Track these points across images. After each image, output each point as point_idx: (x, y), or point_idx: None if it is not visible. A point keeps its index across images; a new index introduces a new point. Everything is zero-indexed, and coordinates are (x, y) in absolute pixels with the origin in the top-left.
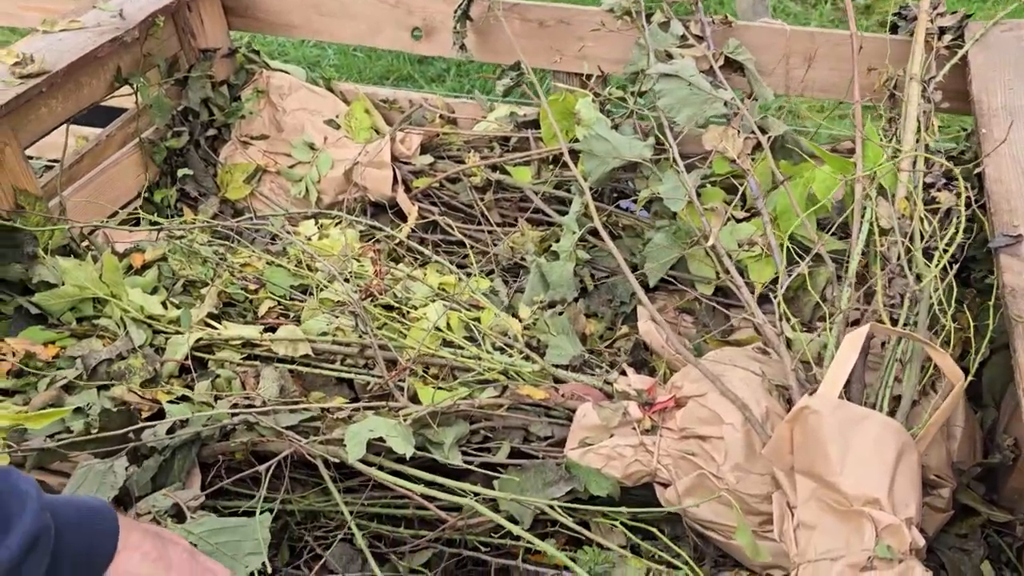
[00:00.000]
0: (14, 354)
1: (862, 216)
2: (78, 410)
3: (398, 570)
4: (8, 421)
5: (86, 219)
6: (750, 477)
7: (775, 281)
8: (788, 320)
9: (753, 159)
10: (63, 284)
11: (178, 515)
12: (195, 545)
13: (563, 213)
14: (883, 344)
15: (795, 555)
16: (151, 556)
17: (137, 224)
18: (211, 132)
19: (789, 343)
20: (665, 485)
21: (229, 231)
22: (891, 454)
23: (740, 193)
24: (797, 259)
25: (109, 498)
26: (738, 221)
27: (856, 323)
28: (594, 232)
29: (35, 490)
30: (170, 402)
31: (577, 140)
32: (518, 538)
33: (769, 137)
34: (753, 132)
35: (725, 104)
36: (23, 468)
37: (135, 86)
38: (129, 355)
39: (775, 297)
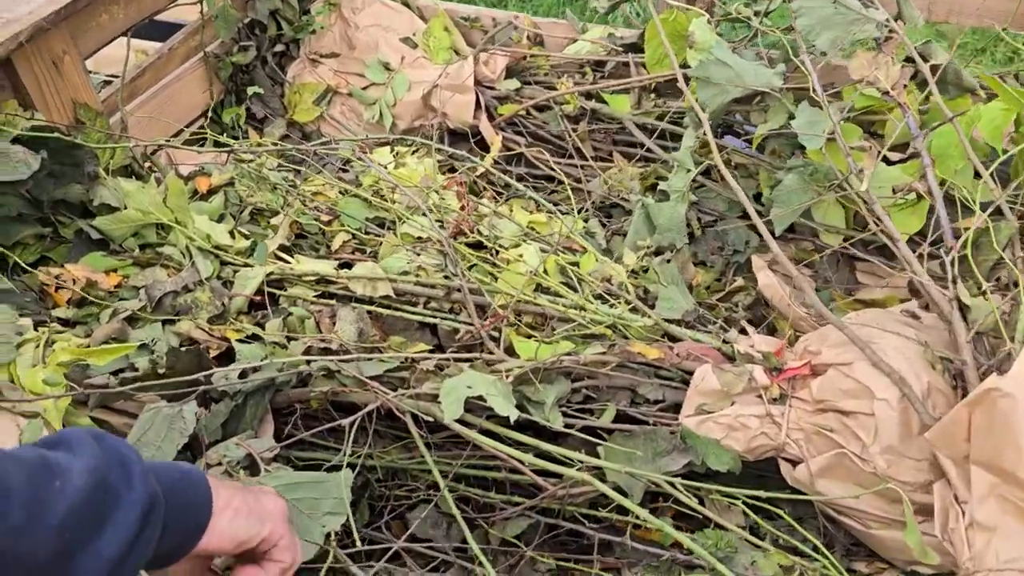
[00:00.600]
0: (75, 282)
1: None
2: (143, 346)
3: (488, 539)
4: (69, 355)
5: (149, 138)
6: (903, 462)
7: (920, 235)
8: (954, 281)
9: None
10: (125, 208)
11: (251, 467)
12: None
13: (665, 148)
14: None
15: (967, 559)
16: (243, 512)
17: (203, 145)
18: (279, 48)
19: (964, 309)
20: (793, 462)
21: (303, 155)
22: None
23: (892, 138)
24: (961, 210)
25: (178, 445)
26: (890, 163)
27: None
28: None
29: (135, 453)
30: (240, 341)
31: (686, 67)
32: (625, 512)
33: (932, 67)
34: (910, 60)
35: (877, 26)
36: (85, 406)
37: None
38: (195, 288)
39: (947, 254)
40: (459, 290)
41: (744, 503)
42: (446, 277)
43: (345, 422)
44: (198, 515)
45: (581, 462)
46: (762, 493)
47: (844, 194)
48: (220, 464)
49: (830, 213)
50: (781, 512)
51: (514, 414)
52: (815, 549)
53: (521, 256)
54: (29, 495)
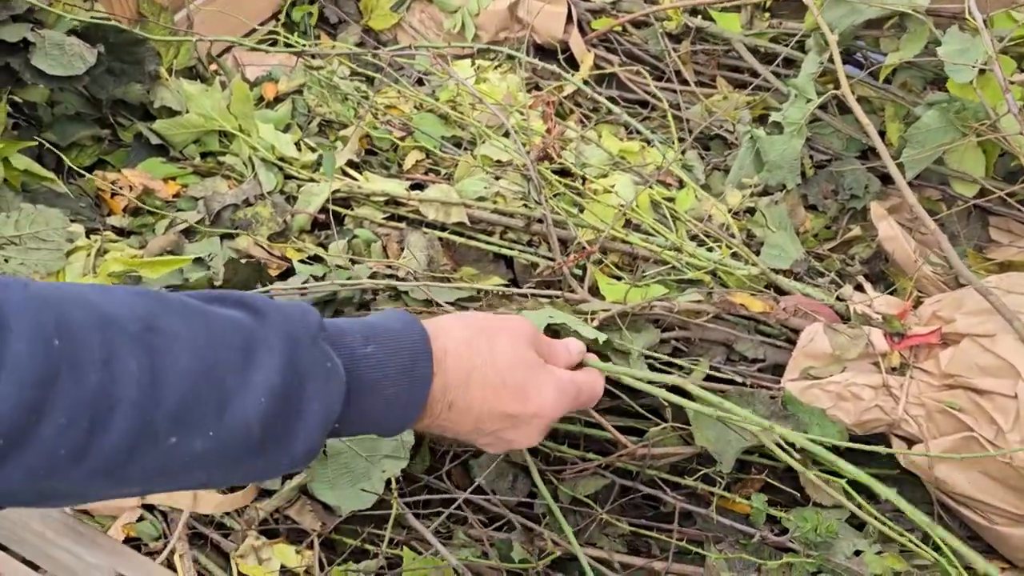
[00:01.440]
0: (131, 188)
1: None
2: (198, 260)
3: (557, 496)
4: (122, 266)
5: (215, 36)
6: None
7: None
8: None
9: None
10: (187, 112)
11: None
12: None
13: (777, 76)
14: None
15: None
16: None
17: (273, 46)
18: None
19: None
20: (909, 442)
21: (378, 63)
22: None
23: None
24: None
25: None
26: None
27: None
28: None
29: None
30: (301, 261)
31: None
32: (711, 482)
33: None
34: None
35: None
36: None
37: None
38: (256, 202)
39: None
40: (541, 220)
41: (848, 483)
42: (526, 205)
43: None
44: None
45: (666, 421)
46: (884, 471)
47: (989, 137)
48: None
49: (967, 158)
50: (897, 499)
51: (601, 336)
52: (925, 540)
53: (613, 187)
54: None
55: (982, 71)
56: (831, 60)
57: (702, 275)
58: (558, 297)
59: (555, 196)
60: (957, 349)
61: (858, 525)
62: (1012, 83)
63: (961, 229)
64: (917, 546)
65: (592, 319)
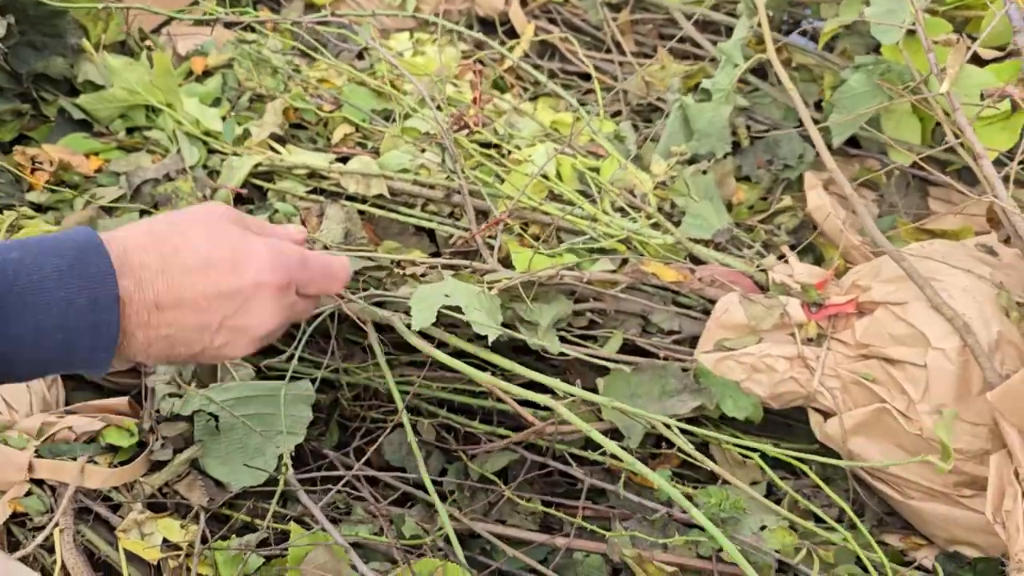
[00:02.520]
0: (52, 163)
1: None
2: None
3: (468, 472)
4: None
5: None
6: (957, 425)
7: (1010, 155)
8: None
9: None
10: (112, 86)
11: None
12: (216, 418)
13: (716, 44)
14: None
15: (1021, 549)
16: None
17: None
18: None
19: None
20: (825, 415)
21: (311, 37)
22: None
23: (984, 33)
24: None
25: None
26: (983, 64)
27: None
28: (754, 72)
29: None
30: None
31: None
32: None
33: None
34: None
35: None
36: None
37: None
38: (178, 176)
39: None
40: (459, 191)
41: (763, 458)
42: (447, 176)
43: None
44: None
45: (573, 396)
46: (798, 447)
47: (919, 97)
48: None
49: (903, 125)
50: (807, 470)
51: (494, 334)
52: (841, 518)
53: (530, 157)
54: None
55: (911, 32)
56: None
57: (617, 244)
58: (467, 267)
59: (476, 167)
60: (872, 318)
61: (777, 501)
62: (936, 43)
63: (901, 199)
64: (827, 523)
65: (493, 288)
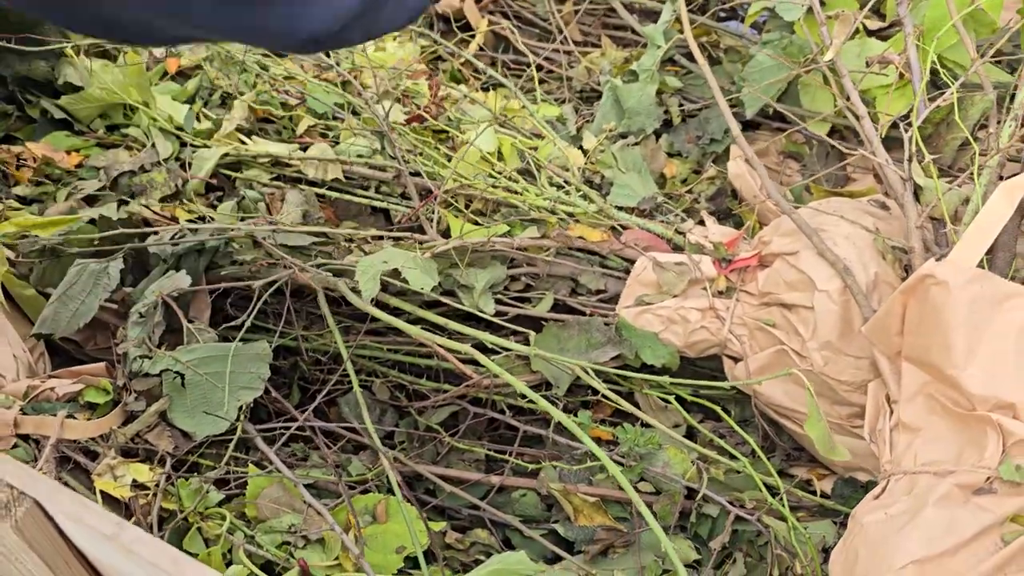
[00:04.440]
0: (35, 160)
1: None
2: (91, 221)
3: (417, 425)
4: (15, 227)
5: None
6: (842, 359)
7: (909, 117)
8: (920, 161)
9: None
10: (90, 87)
11: (169, 329)
12: (182, 376)
13: None
14: None
15: (887, 461)
16: None
17: None
18: None
19: (918, 191)
20: (736, 359)
21: None
22: None
23: (871, 2)
24: (944, 87)
25: (102, 299)
26: (871, 34)
27: (1016, 175)
28: (690, 56)
29: None
30: (189, 221)
31: None
32: (553, 404)
33: None
34: None
35: None
36: (26, 280)
37: None
38: (152, 168)
39: (908, 130)
40: (416, 173)
41: (681, 401)
42: (390, 158)
43: (256, 284)
44: None
45: (506, 350)
46: (698, 383)
47: (811, 68)
48: (140, 318)
49: (818, 97)
50: (722, 413)
51: (428, 286)
52: (751, 452)
53: (468, 140)
54: None
55: (811, 10)
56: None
57: (545, 214)
58: (409, 239)
59: (420, 153)
60: (772, 269)
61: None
62: (829, 17)
63: (821, 166)
64: (738, 457)
65: (424, 253)
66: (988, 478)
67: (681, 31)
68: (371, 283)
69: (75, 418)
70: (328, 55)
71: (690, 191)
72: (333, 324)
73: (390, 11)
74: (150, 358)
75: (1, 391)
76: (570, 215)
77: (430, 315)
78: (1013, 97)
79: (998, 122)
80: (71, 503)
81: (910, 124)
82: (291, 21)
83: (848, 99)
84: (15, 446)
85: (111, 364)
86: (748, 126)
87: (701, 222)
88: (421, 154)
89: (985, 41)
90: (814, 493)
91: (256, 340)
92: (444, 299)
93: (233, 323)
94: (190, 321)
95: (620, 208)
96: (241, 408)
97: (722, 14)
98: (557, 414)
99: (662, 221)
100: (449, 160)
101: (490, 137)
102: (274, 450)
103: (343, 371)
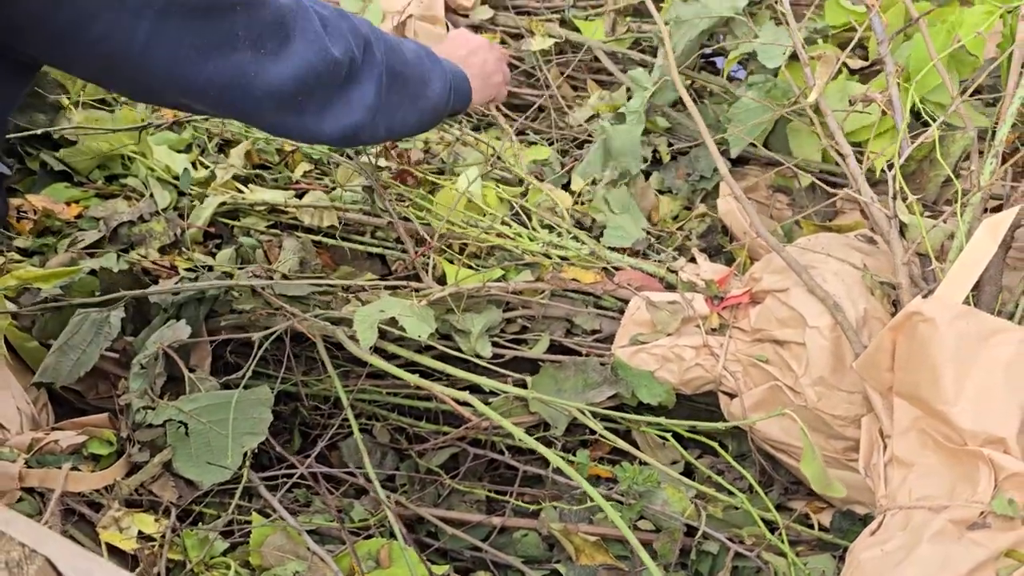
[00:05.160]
0: (36, 212)
1: (1023, 64)
2: (91, 272)
3: (418, 468)
4: (17, 280)
5: None
6: (835, 394)
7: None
8: (905, 198)
9: None
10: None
11: (170, 379)
12: (185, 425)
13: None
14: None
15: (883, 496)
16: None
17: None
18: None
19: (903, 228)
20: (731, 396)
21: None
22: None
23: (855, 42)
24: (927, 126)
25: (103, 348)
26: (853, 73)
27: (999, 210)
28: (678, 100)
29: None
30: (188, 270)
31: None
32: (551, 445)
33: None
34: None
35: None
36: (29, 332)
37: None
38: (151, 218)
39: (891, 168)
40: (406, 219)
41: (678, 437)
42: (376, 206)
43: (255, 336)
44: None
45: (503, 393)
46: (695, 423)
47: (794, 107)
48: (141, 369)
49: (805, 144)
50: (720, 449)
51: (425, 333)
52: (749, 487)
53: (454, 186)
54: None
55: (793, 56)
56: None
57: (539, 258)
58: (405, 287)
59: (407, 202)
60: (763, 306)
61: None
62: (812, 58)
63: (810, 202)
64: (735, 493)
65: (421, 300)
66: (982, 513)
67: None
68: (369, 332)
69: (79, 470)
70: None
71: (681, 228)
72: (333, 371)
73: (401, 117)
74: (153, 409)
75: (5, 444)
76: (563, 258)
77: (427, 360)
78: (994, 133)
79: (980, 153)
80: (82, 560)
81: (892, 164)
82: (307, 130)
83: (831, 136)
84: (20, 499)
85: (113, 414)
86: (737, 162)
87: (693, 259)
88: (411, 205)
89: (968, 79)
90: (812, 527)
91: (257, 386)
92: (441, 344)
93: (235, 374)
94: (191, 370)
95: (613, 249)
96: (245, 455)
97: (707, 51)
98: (555, 459)
99: (654, 260)
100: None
101: (479, 184)
102: (277, 497)
103: (343, 416)
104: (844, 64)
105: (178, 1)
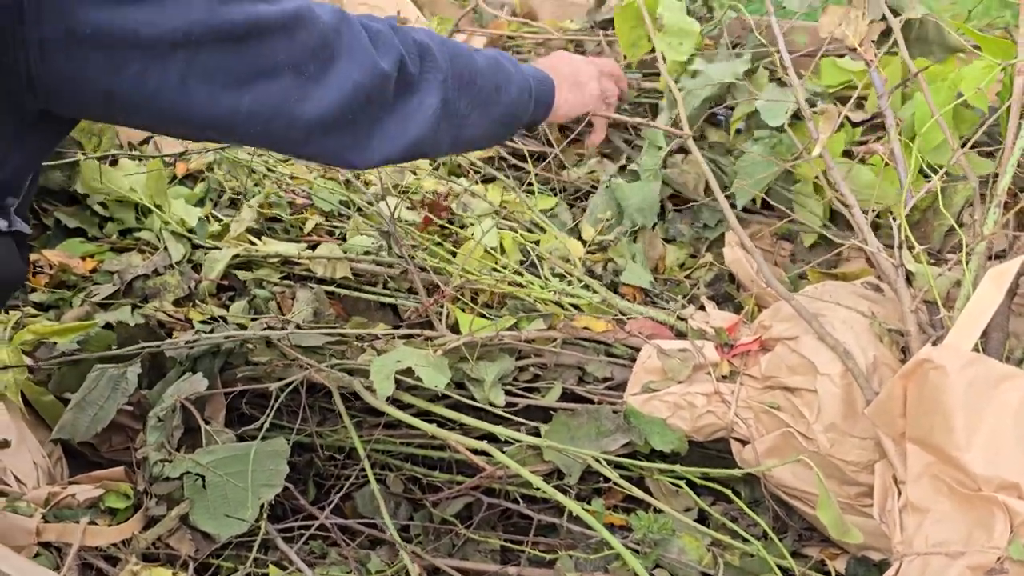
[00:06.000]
0: (52, 267)
1: (1021, 116)
2: (107, 326)
3: (432, 517)
4: (33, 335)
5: None
6: (847, 441)
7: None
8: (911, 248)
9: (878, 54)
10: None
11: (187, 431)
12: (203, 477)
13: (639, 130)
14: None
15: (899, 542)
16: (574, 104)
17: None
18: None
19: (910, 277)
20: (743, 442)
21: None
22: None
23: (854, 97)
24: (929, 179)
25: (120, 404)
26: (855, 125)
27: (1001, 257)
28: (680, 148)
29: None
30: (202, 322)
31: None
32: (565, 493)
33: (902, 20)
34: (883, 17)
35: None
36: (45, 386)
37: None
38: (166, 271)
39: (896, 219)
40: (424, 269)
41: (692, 485)
42: (395, 255)
43: (273, 386)
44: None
45: (517, 441)
46: (708, 470)
47: (798, 160)
48: (158, 422)
49: (809, 203)
50: (733, 496)
51: (442, 384)
52: (763, 534)
53: (472, 234)
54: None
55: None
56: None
57: (552, 307)
58: (419, 336)
59: (424, 248)
60: (772, 353)
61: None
62: (815, 113)
63: (815, 251)
64: (750, 540)
65: (437, 350)
66: (999, 558)
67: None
68: (386, 383)
69: (96, 524)
70: None
71: (689, 276)
72: (348, 421)
73: (470, 127)
74: (170, 462)
75: (23, 499)
76: (575, 306)
77: (442, 410)
78: (995, 182)
79: (982, 197)
80: None
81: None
82: (362, 155)
83: (835, 187)
84: (37, 554)
85: (129, 466)
86: (741, 212)
87: (702, 307)
88: (425, 250)
89: (970, 131)
90: (828, 573)
91: (273, 437)
92: (455, 392)
93: (250, 426)
94: (207, 422)
95: (623, 296)
96: (262, 507)
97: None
98: (573, 505)
99: (664, 308)
100: (454, 255)
101: (493, 232)
102: (294, 549)
103: (358, 466)
104: (846, 118)
105: (208, 31)
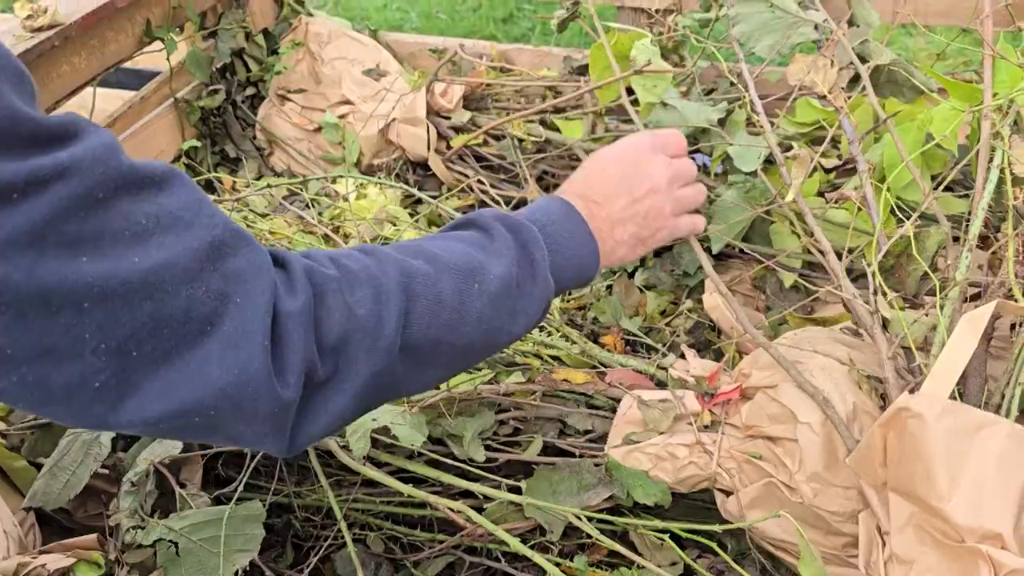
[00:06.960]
0: None
1: (989, 160)
2: None
3: None
4: None
5: None
6: (830, 490)
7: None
8: (885, 294)
9: (850, 97)
10: None
11: (163, 494)
12: (176, 544)
13: None
14: (1013, 327)
15: None
16: (630, 243)
17: None
18: (250, 91)
19: (886, 323)
20: (727, 493)
21: (267, 196)
22: (1021, 475)
23: (828, 138)
24: (903, 222)
25: (93, 470)
26: (828, 171)
27: (976, 299)
28: None
29: (542, 243)
30: None
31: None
32: (547, 549)
33: (870, 67)
34: (851, 64)
35: (816, 28)
36: (18, 452)
37: (164, 41)
38: None
39: (870, 265)
40: None
41: (676, 537)
42: None
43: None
44: (588, 272)
45: (494, 499)
46: (693, 526)
47: (771, 206)
48: (132, 487)
49: (787, 241)
50: (718, 549)
51: (418, 442)
52: None
53: None
54: (455, 301)
55: (768, 160)
56: None
57: (531, 359)
58: None
59: None
60: (753, 402)
61: None
62: (788, 158)
63: (784, 296)
64: None
65: (414, 407)
66: None
67: None
68: (362, 442)
69: None
70: (309, 206)
71: (668, 324)
72: (325, 481)
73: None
74: (143, 528)
75: None
76: (554, 358)
77: (420, 467)
78: (967, 224)
79: (956, 240)
80: None
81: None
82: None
83: (811, 234)
84: None
85: (102, 532)
86: (720, 256)
87: (682, 355)
88: None
89: (939, 172)
90: None
91: (250, 499)
92: (433, 450)
93: (227, 488)
94: (182, 485)
95: (603, 346)
96: (237, 573)
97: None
98: (552, 569)
99: (643, 357)
100: None
101: None
102: None
103: (337, 527)
104: (819, 163)
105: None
